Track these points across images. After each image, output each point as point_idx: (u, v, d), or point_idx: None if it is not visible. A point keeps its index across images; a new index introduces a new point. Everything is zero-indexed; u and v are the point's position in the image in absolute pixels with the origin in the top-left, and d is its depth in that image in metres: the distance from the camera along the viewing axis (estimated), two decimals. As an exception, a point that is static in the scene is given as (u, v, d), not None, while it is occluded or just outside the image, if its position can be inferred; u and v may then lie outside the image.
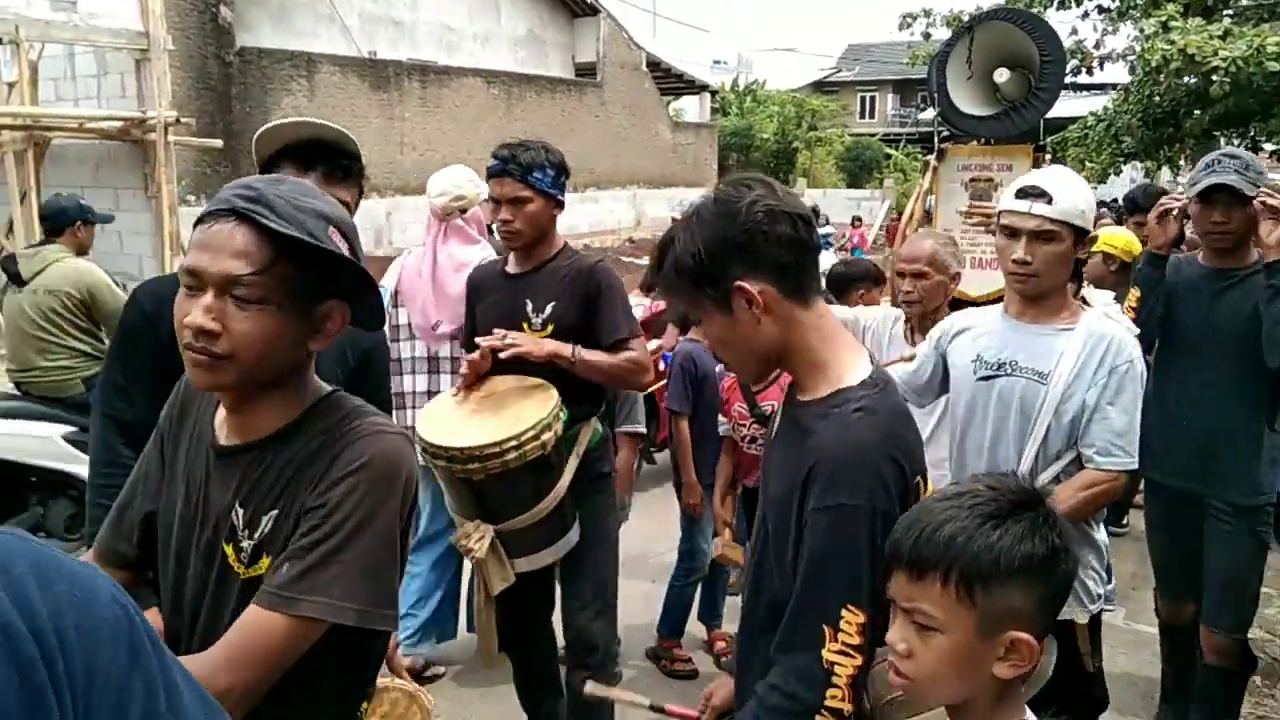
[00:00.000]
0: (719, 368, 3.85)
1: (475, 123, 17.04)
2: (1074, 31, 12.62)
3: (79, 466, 4.39)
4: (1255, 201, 2.94)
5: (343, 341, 2.14)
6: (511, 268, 3.01)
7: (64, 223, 4.88)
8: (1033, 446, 2.34)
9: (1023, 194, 2.34)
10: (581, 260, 2.96)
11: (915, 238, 3.32)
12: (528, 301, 2.89)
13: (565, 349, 2.77)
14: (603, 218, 20.41)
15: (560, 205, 2.91)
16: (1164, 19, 10.05)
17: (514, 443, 2.54)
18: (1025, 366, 2.36)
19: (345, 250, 1.38)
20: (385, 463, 1.39)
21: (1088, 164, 13.13)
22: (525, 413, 2.64)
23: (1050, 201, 2.28)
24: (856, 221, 20.47)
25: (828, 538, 1.47)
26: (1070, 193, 2.31)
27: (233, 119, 13.66)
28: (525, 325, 2.87)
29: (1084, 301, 2.50)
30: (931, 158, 4.67)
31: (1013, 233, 2.33)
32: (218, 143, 11.95)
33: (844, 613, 1.45)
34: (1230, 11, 11.27)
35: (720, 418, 3.76)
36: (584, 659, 2.99)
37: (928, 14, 12.64)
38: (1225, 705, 3.25)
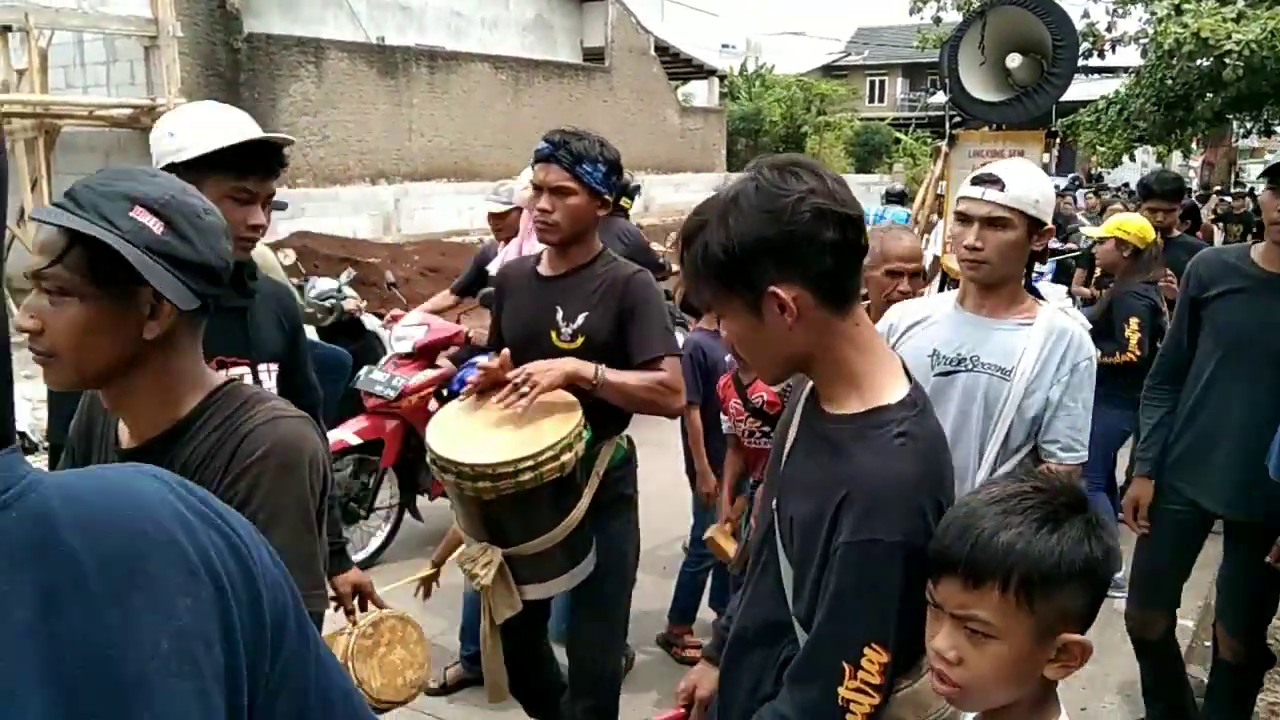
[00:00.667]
0: (728, 358, 3.84)
1: (483, 109, 17.00)
2: (1085, 14, 12.52)
3: None
4: None
5: (274, 311, 2.25)
6: (544, 269, 2.78)
7: None
8: (995, 442, 2.33)
9: (977, 181, 2.34)
10: (620, 269, 2.71)
11: (895, 235, 3.29)
12: (558, 309, 2.66)
13: (587, 370, 2.52)
14: (611, 203, 20.36)
15: (606, 205, 2.70)
16: (1177, 1, 9.97)
17: (530, 462, 2.34)
18: (987, 362, 2.34)
19: (157, 227, 1.32)
20: (285, 449, 1.37)
21: (1099, 148, 13.07)
22: (545, 430, 2.43)
23: (1003, 189, 2.27)
24: None
25: (858, 574, 1.38)
26: (1024, 181, 2.30)
27: (241, 105, 13.56)
28: (553, 334, 2.65)
29: (1036, 295, 2.46)
30: (943, 144, 4.65)
31: (965, 219, 2.33)
32: (226, 130, 11.93)
33: (867, 651, 1.38)
34: (1243, -7, 11.17)
35: (722, 416, 3.75)
36: (585, 690, 2.80)
37: (938, -3, 12.55)
38: (1239, 701, 3.17)
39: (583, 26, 21.25)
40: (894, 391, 1.47)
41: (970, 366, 2.35)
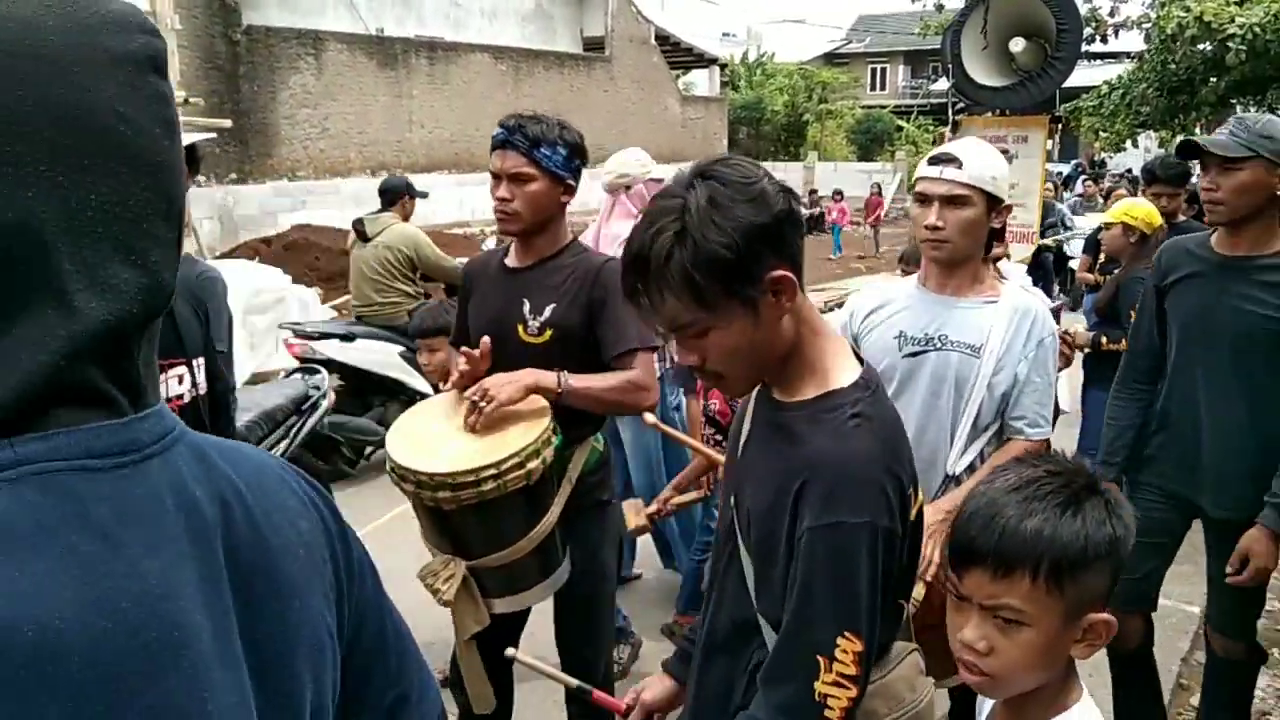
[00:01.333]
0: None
1: (483, 99, 16.97)
2: (1088, -1, 12.47)
3: (410, 377, 5.90)
4: None
5: (189, 302, 2.30)
6: (511, 260, 2.67)
7: (395, 196, 6.37)
8: (966, 421, 2.35)
9: (934, 161, 2.36)
10: (589, 258, 2.61)
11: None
12: (524, 301, 2.55)
13: (549, 379, 2.39)
14: (612, 193, 20.35)
15: (570, 191, 2.57)
16: (1180, -15, 9.92)
17: (492, 471, 2.22)
18: (956, 340, 2.36)
19: None
20: None
21: (1102, 133, 13.01)
22: (510, 435, 2.32)
23: (960, 167, 2.30)
24: (838, 195, 19.65)
25: (825, 560, 1.34)
26: (980, 159, 2.32)
27: (241, 98, 13.62)
28: (520, 328, 2.55)
29: (998, 274, 2.50)
30: (946, 130, 4.63)
31: (925, 199, 2.35)
32: (226, 123, 11.93)
33: (840, 641, 1.32)
34: (1248, -23, 11.10)
35: None
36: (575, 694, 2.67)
37: (940, -16, 12.50)
38: (1236, 698, 3.06)
39: (583, 16, 21.18)
40: (846, 375, 1.45)
41: (939, 345, 2.36)
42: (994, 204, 2.34)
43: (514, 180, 2.49)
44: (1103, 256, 5.42)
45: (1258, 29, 9.12)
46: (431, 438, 2.38)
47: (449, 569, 2.36)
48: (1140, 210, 4.72)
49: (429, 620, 2.64)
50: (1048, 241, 8.30)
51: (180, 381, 2.19)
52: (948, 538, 1.31)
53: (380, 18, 16.84)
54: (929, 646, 1.62)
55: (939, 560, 2.03)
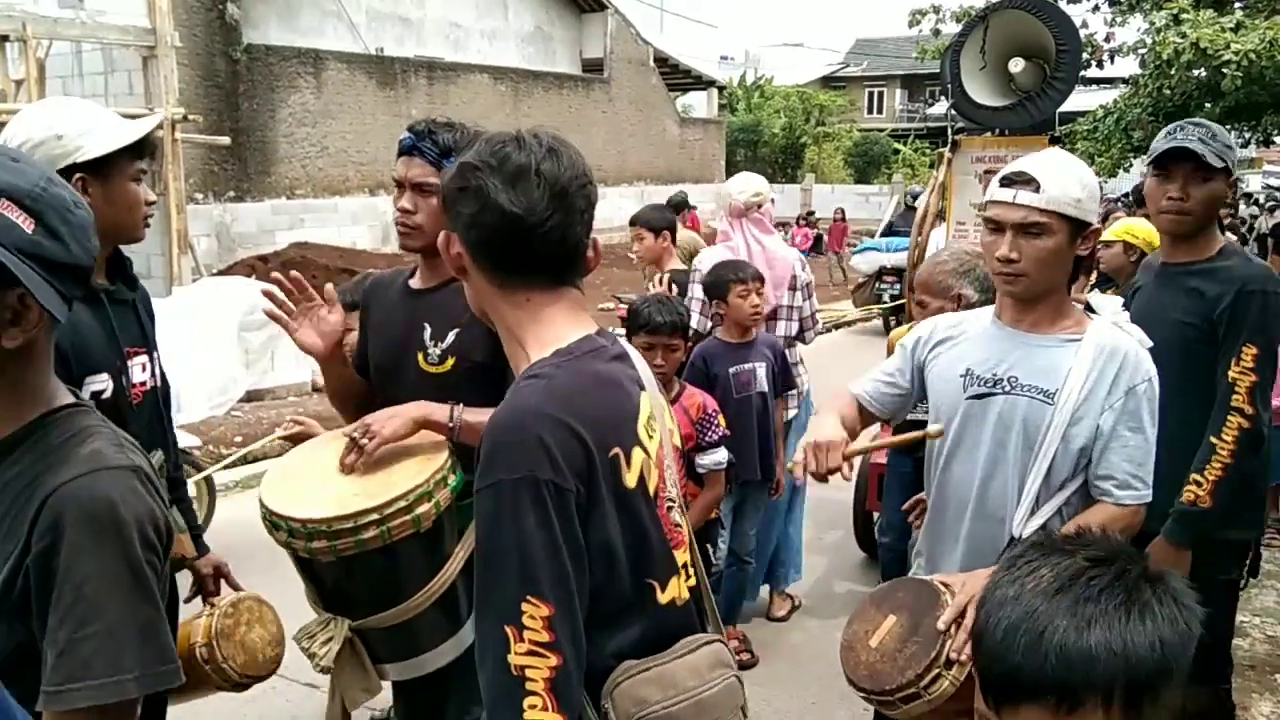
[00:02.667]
0: (732, 369, 3.79)
1: (482, 120, 16.83)
2: (1084, 24, 12.53)
3: None
4: None
5: (143, 302, 2.29)
6: (415, 281, 2.43)
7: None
8: (1036, 476, 2.02)
9: (1007, 182, 2.04)
10: None
11: (928, 261, 3.21)
12: (425, 326, 2.31)
13: (439, 412, 2.13)
14: (610, 214, 20.34)
15: None
16: (1175, 11, 9.98)
17: (374, 516, 1.94)
18: (1026, 383, 2.04)
19: (27, 225, 1.20)
20: (89, 514, 1.20)
21: (1097, 158, 13.05)
22: (397, 475, 2.04)
23: (1038, 189, 1.98)
24: (803, 220, 19.20)
25: (490, 524, 1.27)
26: (1062, 178, 2.00)
27: (240, 116, 13.65)
28: (420, 356, 2.30)
29: (1087, 308, 2.16)
30: (945, 149, 4.63)
31: (997, 226, 2.04)
32: (225, 140, 11.95)
33: (524, 607, 1.23)
34: (1242, 4, 11.20)
35: None
36: None
37: (937, 10, 12.58)
38: None
39: (582, 38, 21.29)
40: (550, 348, 1.41)
41: (1008, 388, 2.06)
42: (1079, 229, 2.01)
43: (418, 190, 2.28)
44: (1094, 275, 5.43)
45: (1253, 55, 9.16)
46: (309, 479, 2.10)
47: (328, 630, 2.09)
48: (1141, 230, 4.72)
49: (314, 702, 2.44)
50: None
51: (144, 369, 2.22)
52: (971, 657, 1.11)
53: (380, 37, 16.91)
54: None
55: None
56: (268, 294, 2.28)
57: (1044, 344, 2.06)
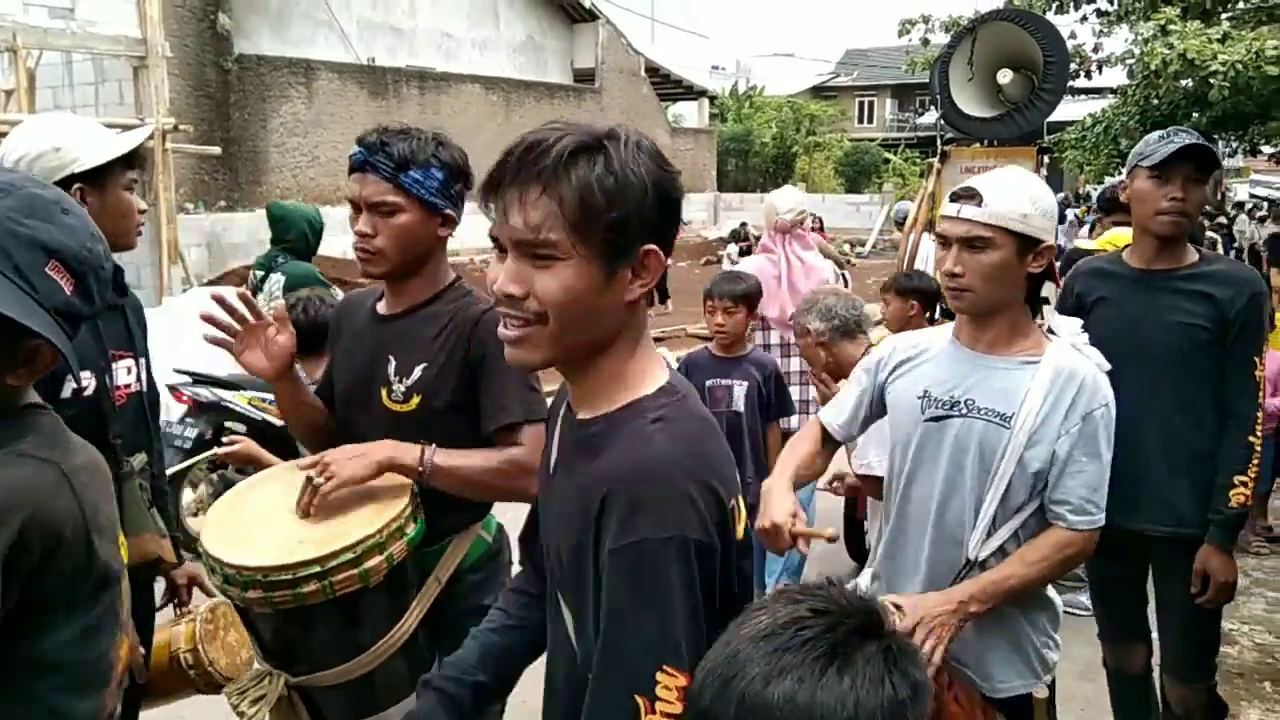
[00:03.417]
0: (709, 382, 3.76)
1: (474, 129, 17.02)
2: (1072, 35, 12.60)
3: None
4: None
5: (134, 309, 2.32)
6: (382, 306, 2.19)
7: None
8: (993, 499, 2.01)
9: (955, 197, 2.05)
10: (468, 307, 2.10)
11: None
12: (390, 360, 2.08)
13: (409, 455, 1.95)
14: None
15: (450, 223, 2.10)
16: (1163, 22, 10.04)
17: (315, 569, 1.75)
18: (983, 406, 2.02)
19: (68, 287, 1.25)
20: None
21: (1085, 167, 13.14)
22: (351, 523, 1.85)
23: (980, 204, 1.97)
24: (736, 235, 16.24)
25: (630, 585, 1.15)
26: (1009, 194, 1.98)
27: (231, 126, 13.64)
28: (384, 392, 2.08)
29: (1049, 331, 2.15)
30: (935, 160, 4.66)
31: (945, 241, 2.04)
32: (216, 150, 11.94)
33: (660, 676, 1.13)
34: (1229, 15, 11.27)
35: None
36: None
37: (926, 20, 12.64)
38: None
39: (573, 48, 21.35)
40: (652, 383, 1.28)
41: (965, 411, 2.04)
42: (1029, 246, 1.99)
43: (376, 211, 2.02)
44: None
45: (1239, 66, 9.22)
46: (255, 518, 1.94)
47: (261, 687, 1.89)
48: (1124, 239, 4.75)
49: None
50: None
51: (128, 373, 2.24)
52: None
53: (371, 47, 16.93)
54: None
55: (939, 661, 1.86)
56: (206, 317, 2.04)
57: (1001, 366, 2.05)
